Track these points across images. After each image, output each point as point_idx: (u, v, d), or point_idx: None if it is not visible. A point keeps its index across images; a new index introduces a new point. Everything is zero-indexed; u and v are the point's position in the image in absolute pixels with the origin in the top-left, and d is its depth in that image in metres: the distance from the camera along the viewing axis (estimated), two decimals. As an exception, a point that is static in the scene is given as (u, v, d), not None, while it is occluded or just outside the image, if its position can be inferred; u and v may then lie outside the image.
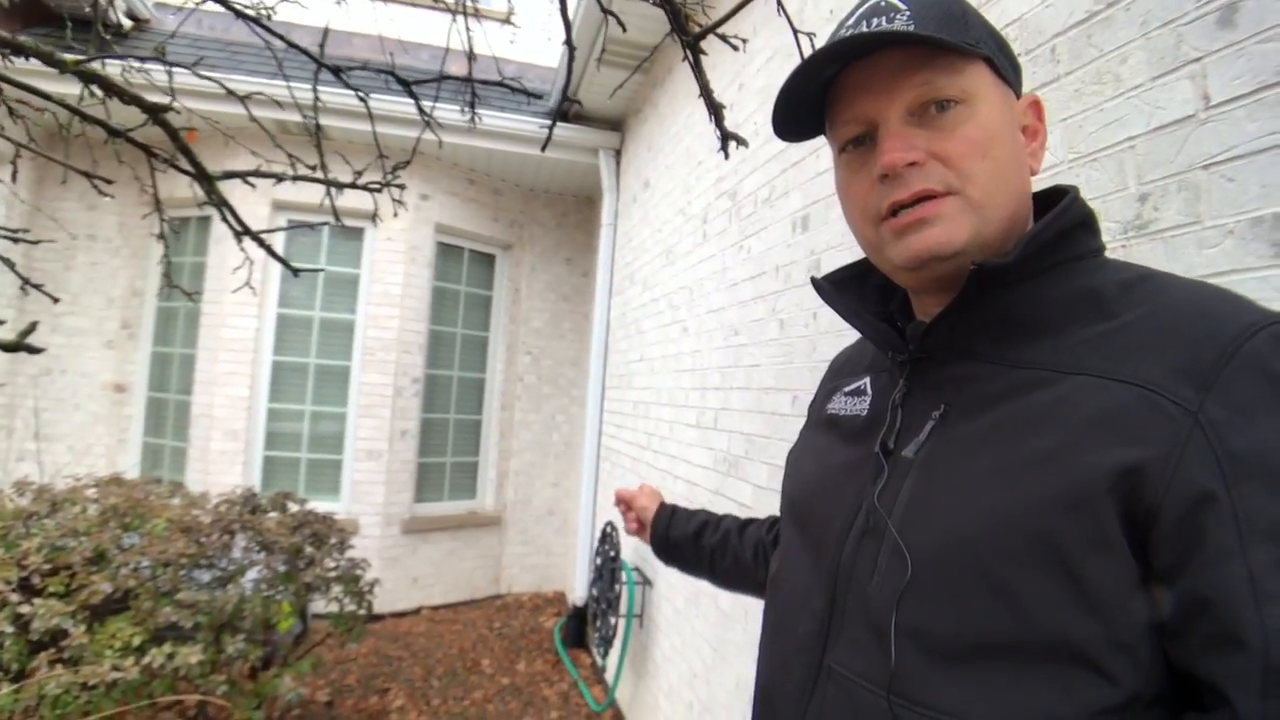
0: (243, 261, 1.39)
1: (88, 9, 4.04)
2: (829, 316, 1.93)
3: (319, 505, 3.57)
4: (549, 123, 4.64)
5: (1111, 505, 0.52)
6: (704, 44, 1.20)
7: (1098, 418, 0.55)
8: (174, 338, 5.02)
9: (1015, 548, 0.55)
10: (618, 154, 4.81)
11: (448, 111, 4.32)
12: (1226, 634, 0.49)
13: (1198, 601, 0.50)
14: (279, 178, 1.25)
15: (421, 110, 1.35)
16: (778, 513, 1.20)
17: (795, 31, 1.04)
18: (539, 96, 1.40)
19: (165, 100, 1.05)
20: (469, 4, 1.33)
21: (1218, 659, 0.49)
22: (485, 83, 1.36)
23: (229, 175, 1.17)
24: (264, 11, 1.27)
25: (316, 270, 1.45)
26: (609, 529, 3.75)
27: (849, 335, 1.86)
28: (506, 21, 4.97)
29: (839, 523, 0.71)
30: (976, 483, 0.59)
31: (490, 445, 5.69)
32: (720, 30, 1.03)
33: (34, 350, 0.99)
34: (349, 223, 4.76)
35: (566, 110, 4.78)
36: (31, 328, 1.02)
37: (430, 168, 5.08)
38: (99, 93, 0.99)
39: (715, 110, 1.10)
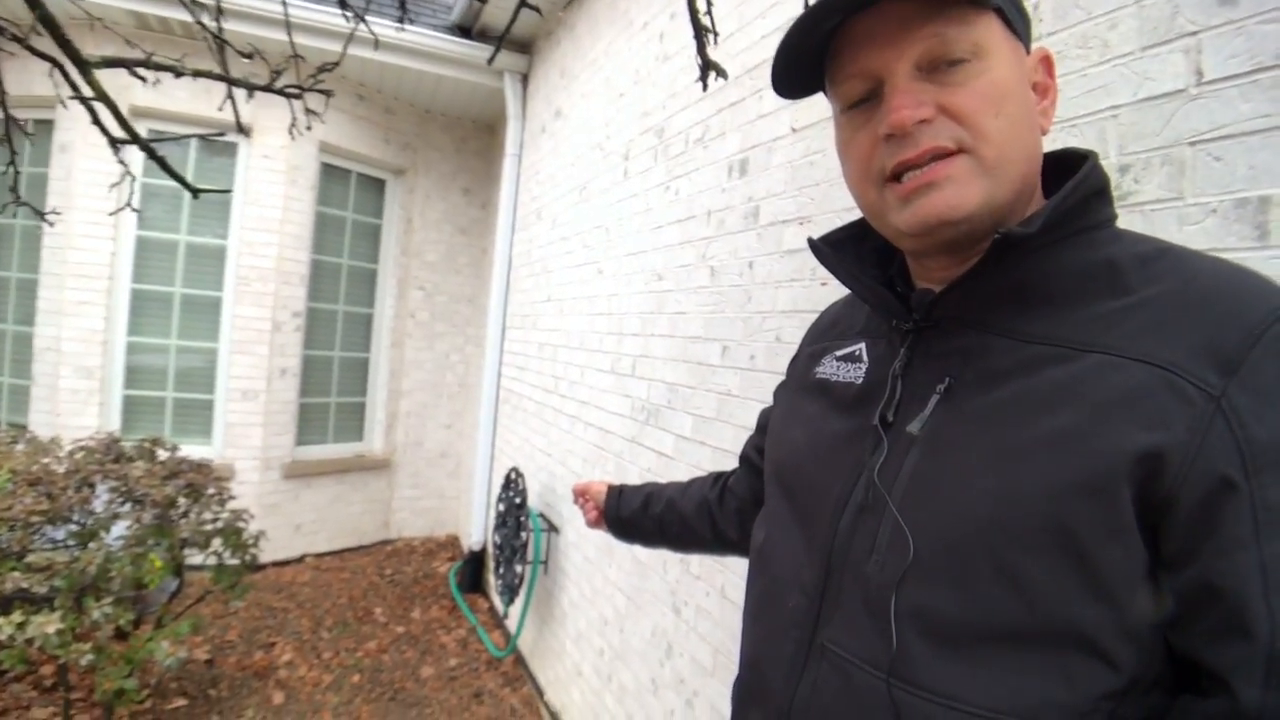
0: (121, 176, 1.13)
1: None
2: (766, 267, 1.88)
3: (189, 449, 3.25)
4: (451, 38, 4.28)
5: (1127, 490, 0.51)
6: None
7: (1116, 399, 0.53)
8: (9, 260, 4.34)
9: (1026, 531, 0.54)
10: (525, 78, 4.51)
11: (332, 16, 3.88)
12: (1233, 623, 0.49)
13: (1207, 590, 0.50)
14: (178, 71, 1.02)
15: (350, 8, 1.14)
16: (713, 467, 1.19)
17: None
18: (482, 0, 1.21)
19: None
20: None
21: (1222, 648, 0.50)
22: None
23: (112, 63, 0.93)
24: None
25: (223, 191, 1.23)
26: (513, 475, 3.65)
27: (787, 286, 1.83)
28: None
29: (834, 496, 0.68)
30: (986, 462, 0.57)
31: (379, 385, 5.39)
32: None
33: None
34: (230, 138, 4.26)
35: (469, 26, 4.41)
36: None
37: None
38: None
39: (699, 34, 0.98)
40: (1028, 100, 0.63)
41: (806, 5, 0.94)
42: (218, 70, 1.10)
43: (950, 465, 0.60)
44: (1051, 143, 1.19)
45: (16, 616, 2.17)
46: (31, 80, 3.53)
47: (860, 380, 0.73)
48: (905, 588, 0.59)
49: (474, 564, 4.52)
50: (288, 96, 1.13)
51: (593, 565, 2.85)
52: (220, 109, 1.49)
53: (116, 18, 3.92)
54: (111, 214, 1.36)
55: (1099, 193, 0.64)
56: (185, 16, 3.70)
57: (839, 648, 0.64)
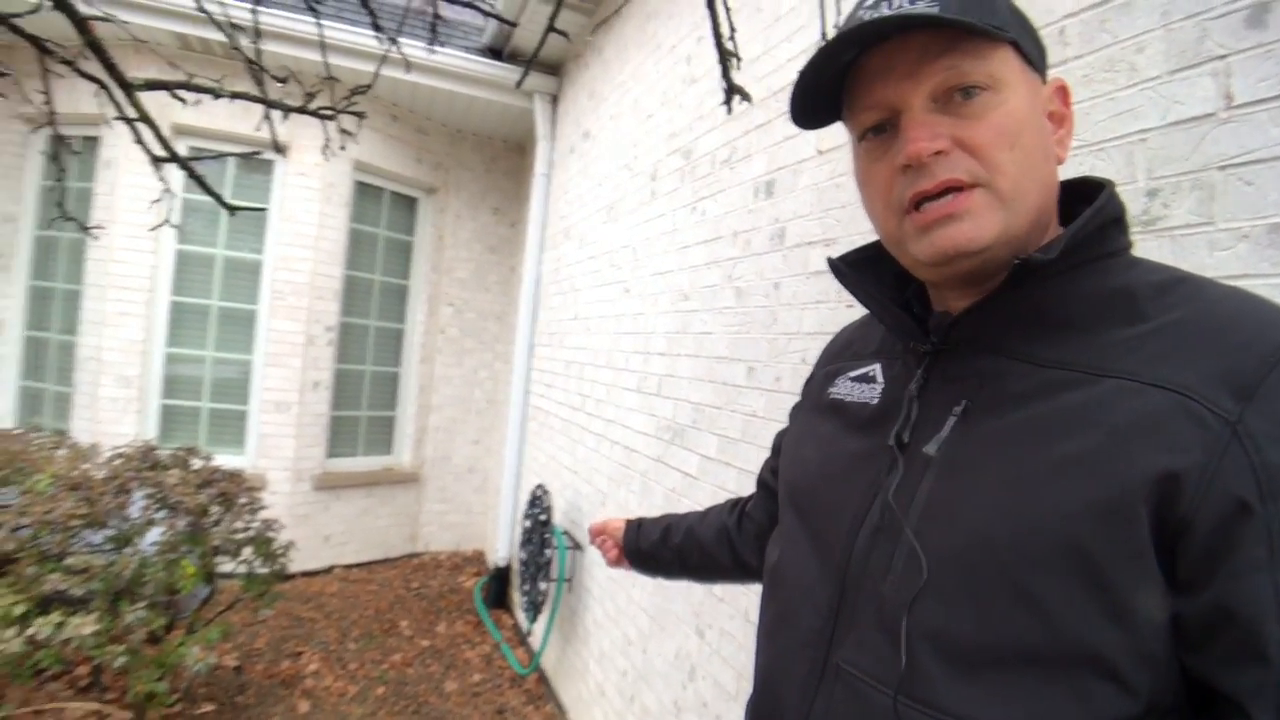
0: (162, 193, 1.19)
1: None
2: (792, 288, 1.89)
3: (223, 459, 3.32)
4: (482, 60, 4.37)
5: (1144, 515, 0.51)
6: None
7: (1133, 423, 0.53)
8: (55, 271, 4.50)
9: (1043, 555, 0.54)
10: (554, 100, 4.58)
11: (366, 38, 3.99)
12: (1248, 647, 0.49)
13: (1222, 613, 0.50)
14: (216, 93, 1.06)
15: (383, 31, 1.18)
16: (738, 489, 1.18)
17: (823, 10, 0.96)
18: (513, 24, 1.25)
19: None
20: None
21: (1238, 672, 0.50)
22: (454, 1, 1.20)
23: (154, 85, 0.98)
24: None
25: (257, 209, 1.27)
26: (539, 492, 3.67)
27: (813, 308, 1.83)
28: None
29: (848, 516, 0.69)
30: (1003, 485, 0.58)
31: (409, 399, 5.46)
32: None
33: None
34: (267, 155, 4.39)
35: (500, 48, 4.50)
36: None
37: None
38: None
39: (724, 59, 1.00)
40: (1043, 131, 0.64)
41: (824, 37, 0.96)
42: (255, 92, 1.14)
43: (966, 487, 0.60)
44: (1078, 167, 1.18)
45: (55, 617, 2.23)
46: (79, 99, 3.67)
47: (876, 401, 0.74)
48: (919, 608, 0.59)
49: (499, 580, 4.53)
50: (321, 118, 1.17)
51: (616, 585, 2.85)
52: (258, 128, 1.55)
53: (161, 39, 4.07)
54: (152, 229, 1.40)
55: (1116, 220, 0.64)
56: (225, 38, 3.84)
57: (853, 668, 0.64)
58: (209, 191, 1.07)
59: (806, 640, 0.69)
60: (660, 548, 1.19)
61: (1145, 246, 1.04)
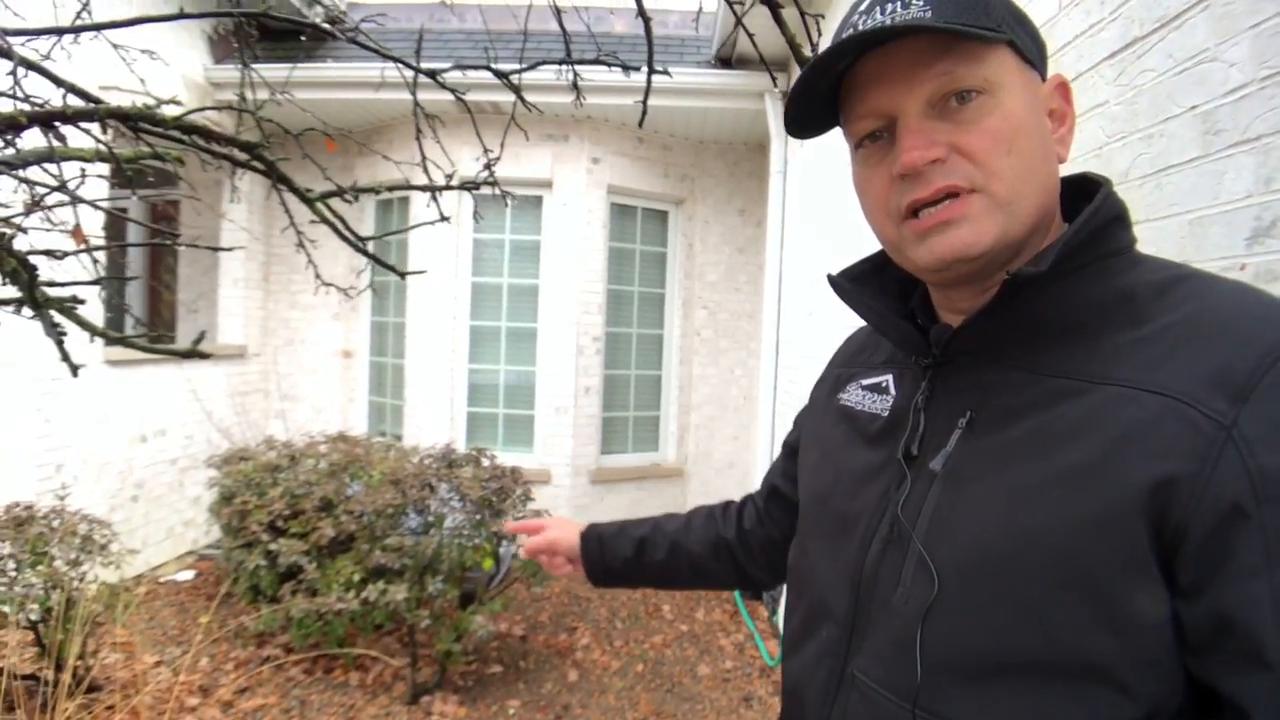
0: (366, 264, 1.54)
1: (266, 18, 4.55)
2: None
3: (515, 457, 3.90)
4: (714, 71, 4.53)
5: (1142, 524, 0.52)
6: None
7: (1129, 432, 0.53)
8: (387, 308, 5.67)
9: (1043, 566, 0.55)
10: (784, 96, 4.58)
11: (595, 71, 4.37)
12: (1248, 653, 0.48)
13: (1221, 619, 0.50)
14: (376, 191, 1.36)
15: (519, 96, 1.39)
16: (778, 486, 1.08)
17: (804, 17, 0.95)
18: (635, 69, 1.37)
19: (259, 139, 1.18)
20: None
21: (1239, 677, 0.49)
22: (581, 62, 1.36)
23: (328, 195, 1.30)
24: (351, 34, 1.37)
25: (418, 273, 1.56)
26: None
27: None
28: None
29: (861, 529, 0.70)
30: (1005, 498, 0.59)
31: (670, 400, 5.83)
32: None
33: (203, 355, 1.16)
34: (523, 192, 5.06)
35: (729, 56, 4.63)
36: (201, 336, 1.20)
37: (600, 130, 5.19)
38: (201, 141, 1.14)
39: (803, 66, 1.01)
40: (1042, 131, 0.63)
41: (814, 50, 0.96)
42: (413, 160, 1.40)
43: (969, 501, 0.61)
44: (1267, 102, 0.96)
45: (380, 585, 2.86)
46: (390, 169, 4.57)
47: (886, 413, 0.75)
48: (930, 620, 0.61)
49: (756, 573, 4.64)
50: (467, 190, 1.40)
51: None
52: (459, 190, 1.79)
53: (444, 108, 4.88)
54: (404, 275, 1.72)
55: (1117, 219, 0.63)
56: (498, 96, 4.45)
57: (867, 677, 0.66)
58: (385, 265, 1.38)
59: (826, 649, 0.72)
60: (634, 566, 1.08)
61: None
